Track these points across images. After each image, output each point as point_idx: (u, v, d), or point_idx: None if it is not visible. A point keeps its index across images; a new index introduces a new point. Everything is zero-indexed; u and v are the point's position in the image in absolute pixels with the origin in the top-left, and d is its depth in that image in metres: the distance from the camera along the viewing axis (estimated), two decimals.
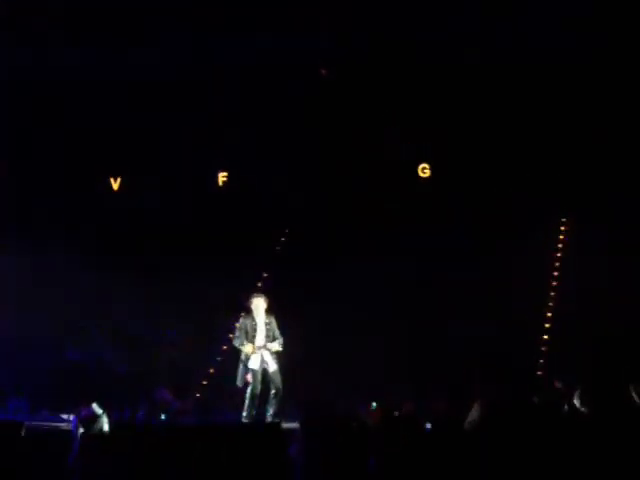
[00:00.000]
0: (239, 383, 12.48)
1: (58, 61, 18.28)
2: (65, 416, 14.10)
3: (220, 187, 20.08)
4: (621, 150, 18.25)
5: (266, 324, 12.38)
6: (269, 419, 12.01)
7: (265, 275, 18.94)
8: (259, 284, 18.00)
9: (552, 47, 17.67)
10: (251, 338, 12.26)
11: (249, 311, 12.47)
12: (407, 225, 18.73)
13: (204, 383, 17.23)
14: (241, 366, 12.48)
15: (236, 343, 12.49)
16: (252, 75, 18.91)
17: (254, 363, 12.26)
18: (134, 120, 19.26)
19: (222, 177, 20.11)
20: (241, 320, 12.56)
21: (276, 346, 12.30)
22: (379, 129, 19.33)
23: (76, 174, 19.65)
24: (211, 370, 17.38)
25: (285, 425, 10.21)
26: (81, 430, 11.07)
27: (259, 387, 12.23)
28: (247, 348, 12.24)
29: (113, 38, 18.00)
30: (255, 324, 12.36)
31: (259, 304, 12.45)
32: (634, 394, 10.61)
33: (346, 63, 18.98)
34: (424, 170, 19.54)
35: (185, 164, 19.67)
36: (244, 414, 12.20)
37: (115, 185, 19.97)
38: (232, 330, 13.13)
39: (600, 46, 17.54)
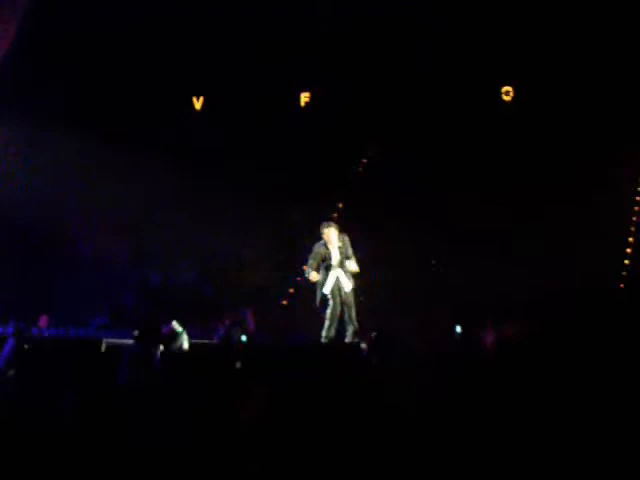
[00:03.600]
0: (318, 304, 12.38)
1: None
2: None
3: (302, 107, 19.82)
4: None
5: (339, 248, 12.25)
6: (348, 339, 11.92)
7: (343, 197, 18.76)
8: (339, 206, 17.87)
9: None
10: (326, 263, 12.18)
11: (321, 238, 12.35)
12: (489, 151, 18.32)
13: (284, 303, 17.28)
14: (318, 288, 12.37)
15: (309, 266, 12.34)
16: None
17: (327, 287, 12.17)
18: (217, 42, 19.05)
19: (304, 97, 19.83)
20: (316, 245, 12.39)
21: (353, 266, 12.15)
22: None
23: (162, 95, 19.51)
24: (291, 290, 17.39)
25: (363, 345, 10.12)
26: (161, 347, 11.14)
27: (339, 308, 12.11)
28: (312, 276, 12.15)
29: None
30: (329, 252, 12.28)
31: (330, 234, 12.32)
32: None
33: None
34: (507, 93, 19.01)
35: (267, 84, 19.40)
36: (323, 334, 12.12)
37: (197, 105, 19.85)
38: (310, 251, 12.94)
39: None
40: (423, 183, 18.45)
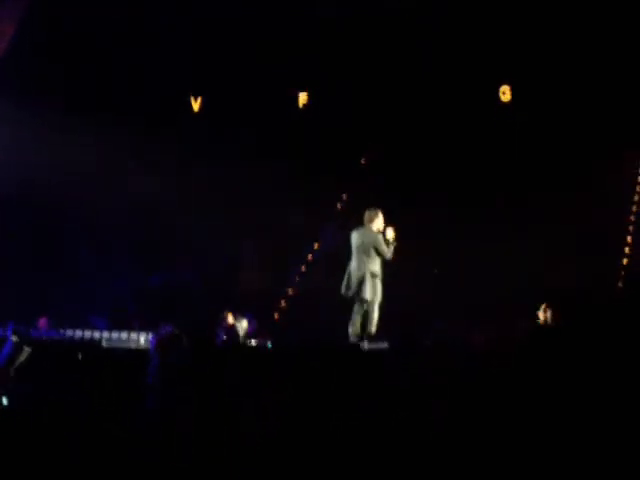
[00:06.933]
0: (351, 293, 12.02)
1: None
2: (144, 335, 14.18)
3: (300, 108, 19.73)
4: None
5: None
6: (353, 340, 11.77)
7: (344, 197, 18.65)
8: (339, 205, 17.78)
9: None
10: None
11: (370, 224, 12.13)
12: (487, 149, 18.26)
13: (282, 304, 17.22)
14: (371, 278, 11.92)
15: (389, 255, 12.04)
16: None
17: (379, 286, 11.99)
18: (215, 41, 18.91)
19: (303, 98, 19.72)
20: (378, 235, 12.06)
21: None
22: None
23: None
24: (290, 291, 17.32)
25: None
26: (159, 349, 11.07)
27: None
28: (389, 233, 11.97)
29: None
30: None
31: (381, 220, 12.19)
32: None
33: None
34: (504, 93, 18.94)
35: (264, 84, 19.26)
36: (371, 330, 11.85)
37: (195, 105, 19.73)
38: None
39: None
40: (418, 185, 18.36)
